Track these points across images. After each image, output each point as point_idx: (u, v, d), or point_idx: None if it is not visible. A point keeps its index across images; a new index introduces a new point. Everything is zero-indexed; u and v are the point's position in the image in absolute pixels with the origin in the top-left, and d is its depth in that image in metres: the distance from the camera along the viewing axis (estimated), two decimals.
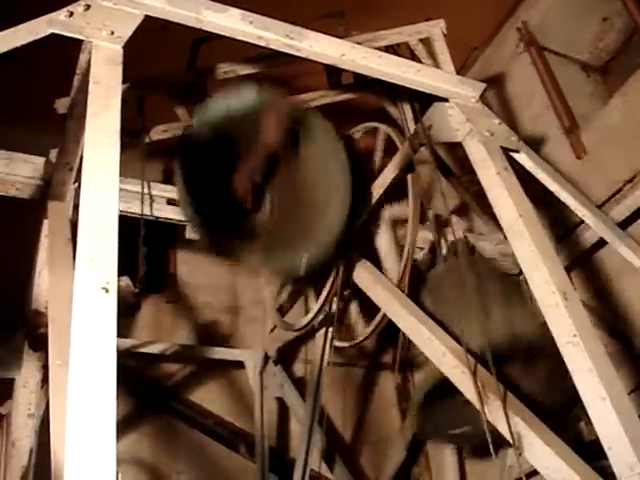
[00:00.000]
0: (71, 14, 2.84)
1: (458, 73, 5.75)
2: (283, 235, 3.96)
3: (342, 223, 3.85)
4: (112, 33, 2.85)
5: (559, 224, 4.77)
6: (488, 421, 2.99)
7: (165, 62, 4.62)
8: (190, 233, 4.20)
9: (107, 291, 2.11)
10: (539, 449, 2.89)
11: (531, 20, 5.77)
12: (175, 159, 3.97)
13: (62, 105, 4.11)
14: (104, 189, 2.34)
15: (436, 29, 4.54)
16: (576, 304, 2.90)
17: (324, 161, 3.94)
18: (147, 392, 5.42)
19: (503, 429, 2.96)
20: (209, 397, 5.57)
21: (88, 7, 2.88)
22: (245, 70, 4.47)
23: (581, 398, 2.72)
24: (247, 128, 3.82)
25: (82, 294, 2.09)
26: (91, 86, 2.65)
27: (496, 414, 3.05)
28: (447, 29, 4.74)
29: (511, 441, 2.90)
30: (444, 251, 4.32)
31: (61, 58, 3.56)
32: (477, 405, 3.11)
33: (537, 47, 5.64)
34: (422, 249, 4.46)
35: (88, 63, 2.83)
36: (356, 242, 4.34)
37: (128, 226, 3.76)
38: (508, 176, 3.30)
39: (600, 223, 3.61)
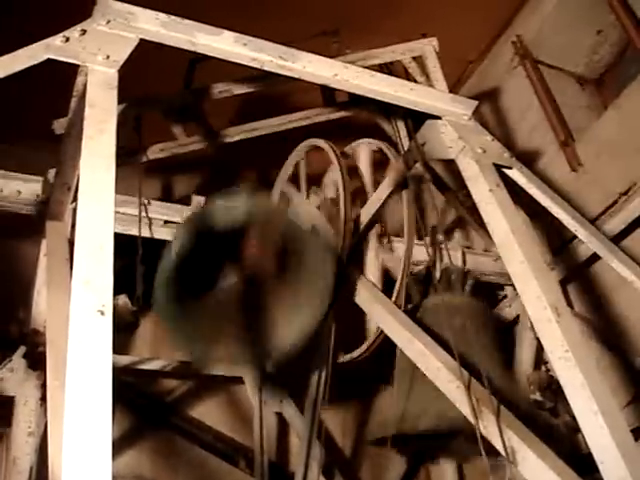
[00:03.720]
0: (67, 39, 2.89)
1: (454, 87, 5.85)
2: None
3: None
4: (107, 57, 2.89)
5: (556, 237, 4.81)
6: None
7: (162, 80, 4.67)
8: None
9: (103, 314, 2.14)
10: (533, 463, 2.91)
11: (526, 34, 5.82)
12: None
13: (60, 126, 4.17)
14: (100, 212, 2.38)
15: (429, 47, 4.59)
16: (568, 319, 2.93)
17: (312, 282, 3.83)
18: (147, 408, 5.45)
19: (497, 443, 2.99)
20: (209, 412, 5.60)
21: (84, 32, 2.93)
22: (241, 89, 4.52)
23: (573, 412, 2.75)
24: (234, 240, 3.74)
25: (78, 317, 2.12)
26: (87, 110, 2.69)
27: (490, 428, 3.07)
28: (442, 43, 4.79)
29: (505, 455, 2.93)
30: (438, 274, 4.34)
31: (60, 76, 3.60)
32: (471, 419, 3.14)
33: (532, 60, 5.69)
34: (417, 265, 4.48)
35: (84, 86, 2.88)
36: (352, 258, 4.37)
37: (126, 244, 3.81)
38: (500, 192, 3.33)
39: (592, 237, 3.64)
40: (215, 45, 3.20)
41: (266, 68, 3.30)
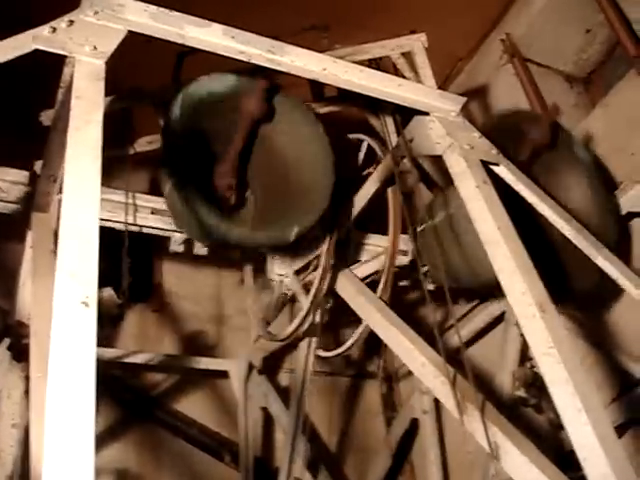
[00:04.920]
0: (54, 30, 2.86)
1: (443, 84, 5.85)
2: (269, 215, 3.97)
3: (327, 199, 3.84)
4: (95, 48, 2.87)
5: None
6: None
7: (150, 73, 4.65)
8: (174, 246, 4.22)
9: (87, 305, 2.12)
10: (516, 459, 2.91)
11: (515, 32, 5.84)
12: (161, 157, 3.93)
13: (47, 117, 4.15)
14: (85, 204, 2.36)
15: (417, 43, 4.59)
16: (553, 316, 2.93)
17: (305, 141, 3.99)
18: (132, 401, 5.44)
19: (481, 438, 3.00)
20: (194, 406, 5.61)
21: (71, 23, 2.91)
22: None
23: (557, 409, 2.76)
24: (227, 115, 3.83)
25: (62, 308, 2.10)
26: (73, 101, 2.67)
27: (474, 423, 3.08)
28: (432, 40, 4.78)
29: (488, 450, 2.94)
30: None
31: (47, 67, 3.58)
32: (456, 414, 3.15)
33: (520, 58, 5.71)
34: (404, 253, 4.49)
35: (71, 77, 2.86)
36: (339, 252, 4.37)
37: (113, 237, 3.80)
38: (487, 189, 3.33)
39: (578, 235, 3.65)
40: (203, 37, 3.18)
41: (254, 61, 3.28)
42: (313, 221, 3.79)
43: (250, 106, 3.77)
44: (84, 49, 2.86)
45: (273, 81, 3.83)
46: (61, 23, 2.90)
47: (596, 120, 4.98)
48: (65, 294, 2.13)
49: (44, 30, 2.87)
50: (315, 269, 4.19)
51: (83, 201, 2.36)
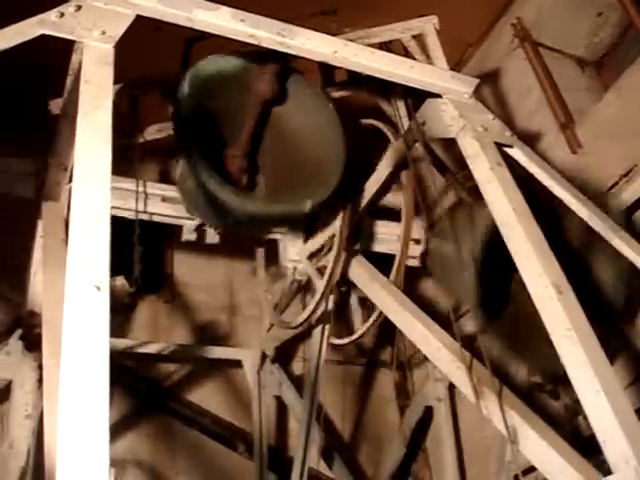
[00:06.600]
0: (62, 15, 2.85)
1: (453, 69, 5.79)
2: (282, 193, 3.99)
3: (339, 176, 3.86)
4: (103, 33, 2.86)
5: None
6: None
7: (159, 61, 4.62)
8: (186, 235, 4.21)
9: (99, 289, 2.11)
10: (534, 442, 2.89)
11: (525, 16, 5.78)
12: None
13: (56, 106, 4.12)
14: (95, 188, 2.35)
15: (428, 25, 4.53)
16: (570, 298, 2.89)
17: (316, 120, 4.01)
18: (145, 392, 5.43)
19: (499, 423, 2.97)
20: (207, 396, 5.59)
21: (79, 7, 2.89)
22: None
23: (576, 392, 2.73)
24: (237, 95, 3.85)
25: (74, 293, 2.09)
26: (82, 86, 2.66)
27: (492, 408, 3.05)
28: (442, 26, 4.73)
29: (506, 435, 2.91)
30: None
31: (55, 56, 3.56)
32: (473, 399, 3.12)
33: (532, 43, 5.65)
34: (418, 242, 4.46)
35: (80, 63, 2.84)
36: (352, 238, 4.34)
37: (124, 226, 3.78)
38: (501, 171, 3.30)
39: (594, 217, 3.60)
40: (212, 21, 3.15)
41: (264, 45, 3.25)
42: (326, 195, 3.81)
43: (262, 88, 3.76)
44: (92, 34, 2.85)
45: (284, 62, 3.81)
46: (69, 8, 2.88)
47: (609, 104, 4.93)
48: (77, 278, 2.12)
49: (51, 15, 2.85)
50: (328, 252, 4.17)
51: (94, 185, 2.35)
